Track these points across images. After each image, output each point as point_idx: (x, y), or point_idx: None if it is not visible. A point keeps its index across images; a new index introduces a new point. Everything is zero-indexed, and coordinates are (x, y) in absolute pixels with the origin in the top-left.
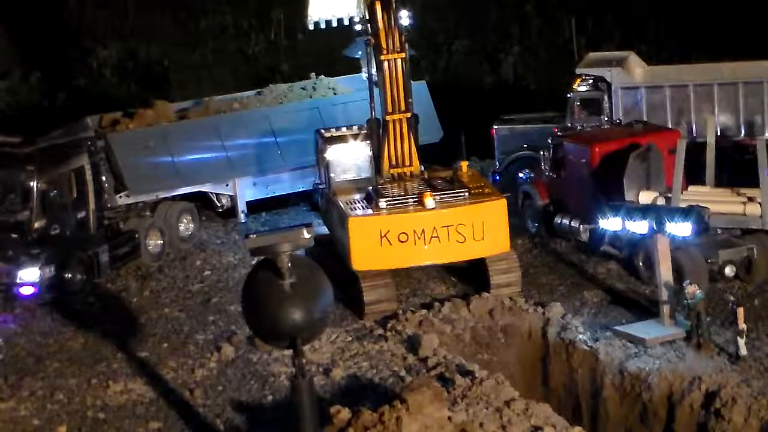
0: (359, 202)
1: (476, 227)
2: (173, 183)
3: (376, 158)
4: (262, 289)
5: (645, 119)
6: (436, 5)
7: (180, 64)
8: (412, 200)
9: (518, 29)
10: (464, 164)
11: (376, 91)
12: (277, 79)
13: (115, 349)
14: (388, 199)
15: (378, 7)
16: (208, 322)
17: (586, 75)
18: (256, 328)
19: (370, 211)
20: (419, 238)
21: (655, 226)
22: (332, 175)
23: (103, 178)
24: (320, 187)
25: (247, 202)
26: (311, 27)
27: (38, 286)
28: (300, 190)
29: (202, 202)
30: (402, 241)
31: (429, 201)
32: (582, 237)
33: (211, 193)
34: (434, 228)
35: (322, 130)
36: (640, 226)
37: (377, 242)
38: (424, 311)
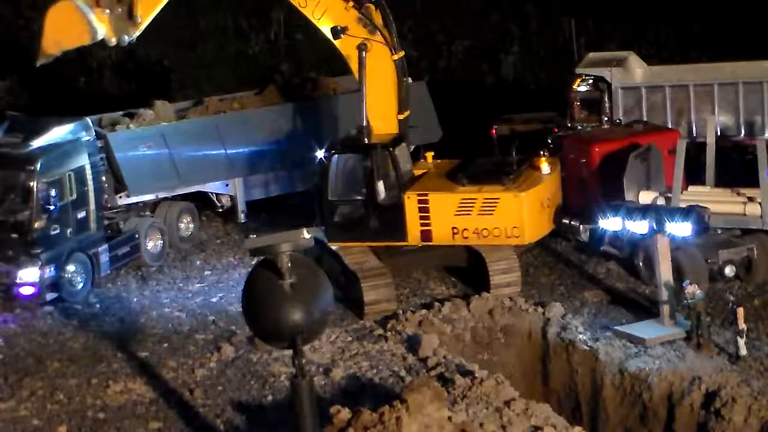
0: (483, 184)
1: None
2: (173, 183)
3: None
4: (262, 289)
5: (645, 119)
6: (436, 5)
7: (180, 64)
8: (526, 170)
9: (518, 29)
10: (429, 155)
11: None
12: (278, 79)
13: (115, 349)
14: (516, 173)
15: (373, 9)
16: (208, 322)
17: (586, 75)
18: (256, 328)
19: (526, 185)
20: (552, 203)
21: (655, 226)
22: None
23: (103, 178)
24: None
25: (247, 202)
26: (39, 64)
27: (38, 286)
28: (300, 190)
29: (202, 202)
30: (548, 207)
31: (545, 166)
32: (582, 237)
33: (211, 193)
34: (555, 192)
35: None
36: (640, 226)
37: (540, 211)
38: (424, 311)
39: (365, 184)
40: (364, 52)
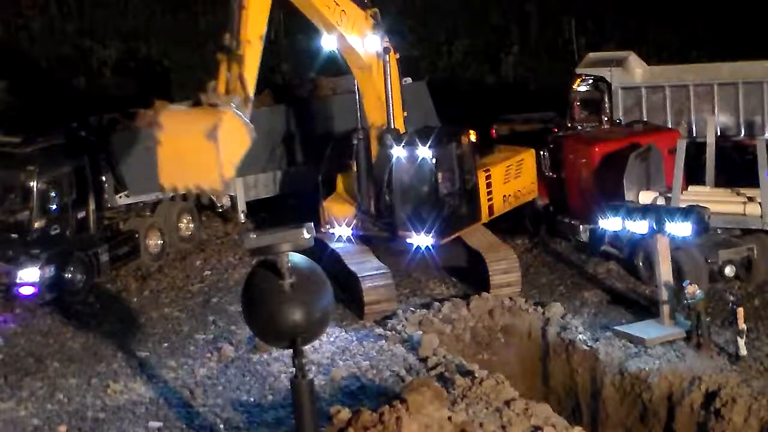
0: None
1: None
2: None
3: None
4: (262, 289)
5: (645, 119)
6: (436, 5)
7: (180, 64)
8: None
9: (518, 29)
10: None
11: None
12: (277, 79)
13: (115, 349)
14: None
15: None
16: (208, 322)
17: (586, 75)
18: (256, 328)
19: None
20: None
21: (655, 226)
22: None
23: (103, 178)
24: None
25: (247, 202)
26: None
27: (38, 286)
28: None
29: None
30: None
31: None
32: (582, 237)
33: None
34: None
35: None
36: (640, 226)
37: None
38: (424, 311)
39: (458, 173)
40: (388, 55)
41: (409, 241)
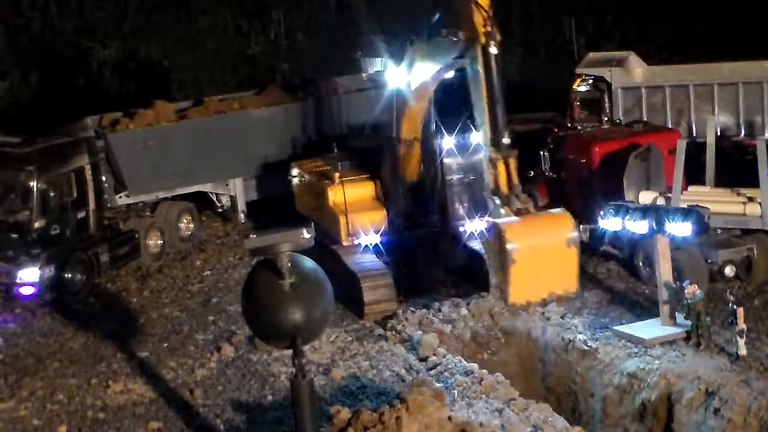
0: None
1: None
2: (173, 183)
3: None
4: (262, 289)
5: (645, 119)
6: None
7: (180, 64)
8: None
9: (518, 29)
10: None
11: None
12: (277, 79)
13: (115, 349)
14: None
15: None
16: (208, 322)
17: (586, 75)
18: (256, 328)
19: None
20: None
21: (655, 226)
22: None
23: (103, 178)
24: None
25: (247, 202)
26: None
27: (38, 286)
28: None
29: (202, 202)
30: None
31: None
32: (582, 237)
33: (211, 193)
34: None
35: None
36: (640, 226)
37: None
38: (424, 311)
39: None
40: None
41: (462, 229)
